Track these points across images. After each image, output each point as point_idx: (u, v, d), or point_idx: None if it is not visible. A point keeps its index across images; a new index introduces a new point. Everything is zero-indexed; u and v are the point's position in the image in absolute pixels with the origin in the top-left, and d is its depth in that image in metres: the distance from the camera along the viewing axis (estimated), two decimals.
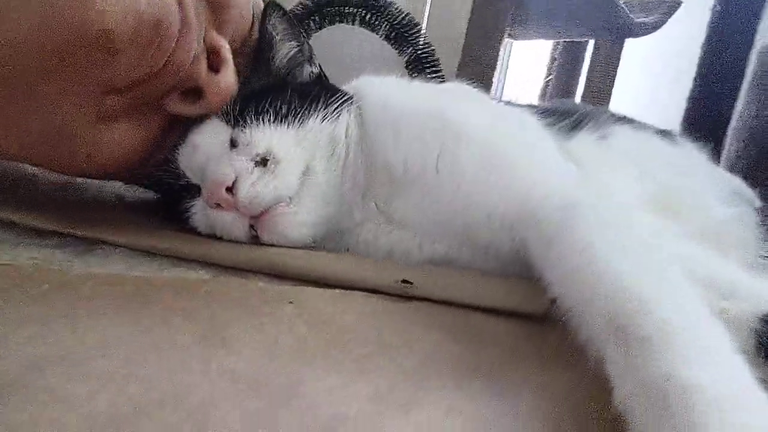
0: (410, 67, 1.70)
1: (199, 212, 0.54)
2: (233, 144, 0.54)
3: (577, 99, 2.45)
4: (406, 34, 1.68)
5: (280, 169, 0.51)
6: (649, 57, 2.57)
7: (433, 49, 1.66)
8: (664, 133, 0.77)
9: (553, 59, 2.55)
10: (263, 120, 0.53)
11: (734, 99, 1.91)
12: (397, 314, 0.43)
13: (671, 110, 1.96)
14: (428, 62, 1.64)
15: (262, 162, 0.51)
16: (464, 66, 1.95)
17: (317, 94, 0.58)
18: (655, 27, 2.13)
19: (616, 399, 0.29)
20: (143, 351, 0.32)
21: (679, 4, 2.15)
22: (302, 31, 0.71)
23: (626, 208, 0.46)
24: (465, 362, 0.37)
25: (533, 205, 0.47)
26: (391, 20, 1.65)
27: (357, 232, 0.58)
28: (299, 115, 0.55)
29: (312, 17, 1.67)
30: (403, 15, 1.66)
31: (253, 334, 0.36)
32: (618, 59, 2.14)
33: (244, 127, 0.53)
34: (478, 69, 2.05)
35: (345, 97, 0.60)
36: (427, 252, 0.55)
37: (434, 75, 1.64)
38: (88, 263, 0.46)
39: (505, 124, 0.57)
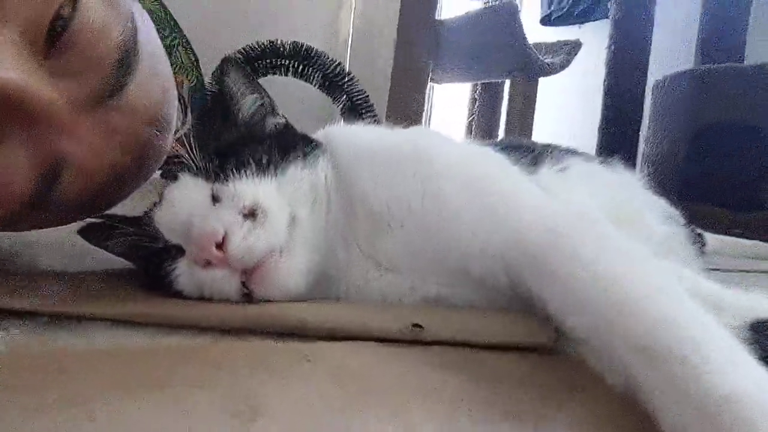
0: (346, 114, 1.74)
1: (184, 274, 0.51)
2: (215, 199, 0.52)
3: (500, 135, 2.60)
4: (340, 83, 1.72)
5: (270, 220, 0.49)
6: (562, 93, 2.79)
7: (367, 96, 1.71)
8: (607, 162, 0.84)
9: (473, 100, 2.71)
10: (245, 172, 0.52)
11: (638, 129, 2.10)
12: (414, 360, 0.42)
13: (587, 141, 2.12)
14: (364, 108, 1.68)
15: (251, 214, 0.49)
16: (392, 112, 2.02)
17: (293, 143, 0.58)
18: (562, 66, 2.33)
19: (665, 424, 0.30)
20: None
21: (580, 45, 2.38)
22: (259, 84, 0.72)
23: (604, 223, 0.48)
24: (493, 404, 0.37)
25: (524, 232, 0.48)
26: (323, 70, 1.68)
27: (346, 279, 0.57)
28: (280, 165, 0.54)
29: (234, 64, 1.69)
30: (335, 64, 1.70)
31: (282, 397, 0.35)
32: (534, 97, 2.31)
33: (226, 180, 0.52)
34: (406, 114, 2.13)
35: (319, 145, 0.61)
36: (420, 293, 0.55)
37: (371, 120, 1.68)
38: (76, 337, 0.42)
39: (480, 160, 0.60)
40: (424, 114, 2.22)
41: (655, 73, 2.11)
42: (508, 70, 2.32)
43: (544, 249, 0.45)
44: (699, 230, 1.13)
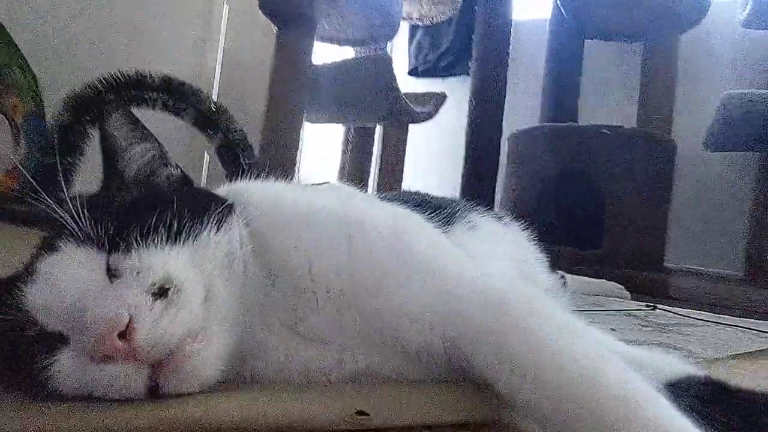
0: (221, 152, 1.63)
1: (67, 369, 0.41)
2: (112, 274, 0.43)
3: (372, 177, 2.66)
4: (216, 120, 1.61)
5: (184, 299, 0.42)
6: (429, 141, 2.96)
7: (245, 135, 1.63)
8: (498, 216, 0.89)
9: (346, 141, 2.75)
10: (152, 240, 0.44)
11: (495, 176, 2.30)
12: None
13: (451, 186, 2.26)
14: (241, 147, 1.59)
15: (161, 292, 0.41)
16: (266, 151, 1.95)
17: (203, 203, 0.51)
18: (430, 115, 2.48)
19: None
20: None
21: (445, 97, 2.56)
22: (147, 130, 0.63)
23: (539, 294, 0.50)
24: None
25: (464, 306, 0.48)
26: (197, 106, 1.57)
27: (263, 356, 0.51)
28: (192, 231, 0.47)
29: (107, 102, 1.49)
30: (210, 101, 1.60)
31: None
32: (405, 142, 2.42)
33: (128, 250, 0.43)
34: (281, 152, 2.08)
35: (230, 206, 0.54)
36: (349, 367, 0.51)
37: (249, 161, 1.60)
38: None
39: (407, 225, 0.58)
40: (298, 154, 2.19)
41: (510, 127, 2.33)
42: (380, 116, 2.40)
43: (487, 325, 0.45)
44: (561, 272, 1.24)
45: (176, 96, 1.56)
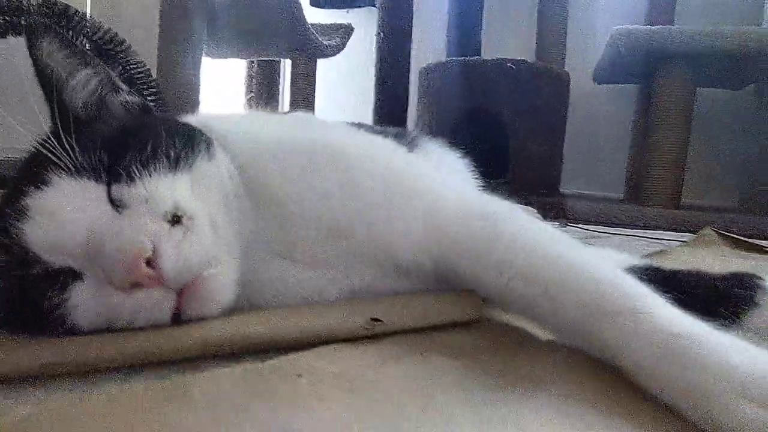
0: None
1: (86, 303, 0.40)
2: (117, 205, 0.42)
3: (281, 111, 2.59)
4: (112, 52, 1.46)
5: (198, 227, 0.42)
6: (339, 74, 2.90)
7: (147, 69, 1.50)
8: (442, 145, 0.94)
9: (250, 77, 2.62)
10: (153, 169, 0.43)
11: (405, 110, 2.34)
12: (382, 353, 0.43)
13: (365, 120, 2.28)
14: (143, 82, 1.47)
15: (174, 220, 0.41)
16: (164, 87, 1.81)
17: (189, 132, 0.50)
18: (338, 49, 2.43)
19: (626, 363, 0.38)
20: None
21: (352, 29, 2.51)
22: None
23: (515, 206, 0.55)
24: (497, 382, 0.39)
25: (450, 221, 0.52)
26: (89, 36, 1.39)
27: (258, 283, 0.52)
28: (186, 159, 0.46)
29: (30, 26, 1.24)
30: (105, 30, 1.43)
31: (304, 418, 0.32)
32: (314, 76, 2.36)
33: (131, 180, 0.42)
34: (180, 89, 1.95)
35: (209, 137, 0.53)
36: (343, 287, 0.54)
37: (152, 96, 1.48)
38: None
39: (385, 148, 0.61)
40: (198, 91, 2.06)
41: (419, 61, 2.36)
42: (287, 50, 2.31)
43: (481, 236, 0.49)
44: None
45: (60, 23, 1.37)
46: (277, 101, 2.61)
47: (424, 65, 2.36)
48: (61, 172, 0.42)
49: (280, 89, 2.64)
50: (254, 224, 0.52)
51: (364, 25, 2.59)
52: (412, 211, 0.53)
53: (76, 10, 1.44)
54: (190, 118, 0.60)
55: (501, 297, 0.49)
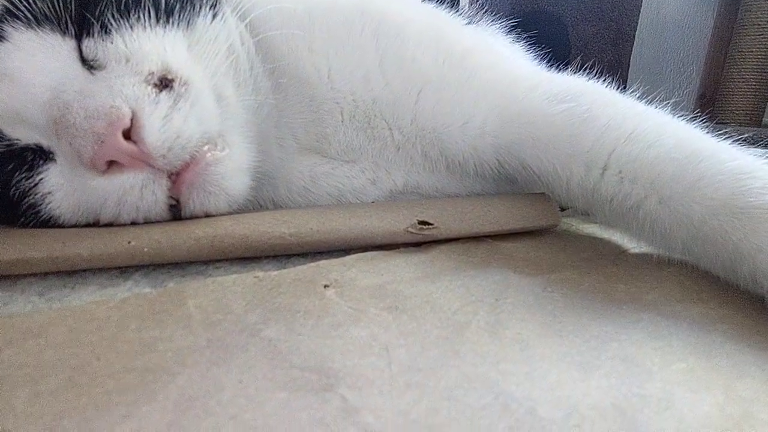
0: None
1: (62, 189, 0.32)
2: (89, 65, 0.32)
3: None
4: None
5: (195, 93, 0.32)
6: None
7: None
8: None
9: None
10: (135, 20, 0.33)
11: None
12: (432, 264, 0.34)
13: None
14: None
15: (163, 84, 0.32)
16: None
17: None
18: None
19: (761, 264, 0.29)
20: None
21: None
22: None
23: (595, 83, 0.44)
24: (585, 303, 0.31)
25: (525, 103, 0.41)
26: None
27: (283, 181, 0.43)
28: (182, 13, 0.36)
29: None
30: None
31: (330, 342, 0.23)
32: None
33: (106, 33, 0.32)
34: None
35: None
36: (383, 186, 0.45)
37: None
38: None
39: (439, 16, 0.49)
40: None
41: None
42: None
43: (566, 121, 0.38)
44: None
45: None
46: None
47: None
48: (17, 23, 0.32)
49: None
50: (275, 108, 0.42)
51: None
52: (473, 91, 0.42)
53: None
54: None
55: (587, 200, 0.38)
